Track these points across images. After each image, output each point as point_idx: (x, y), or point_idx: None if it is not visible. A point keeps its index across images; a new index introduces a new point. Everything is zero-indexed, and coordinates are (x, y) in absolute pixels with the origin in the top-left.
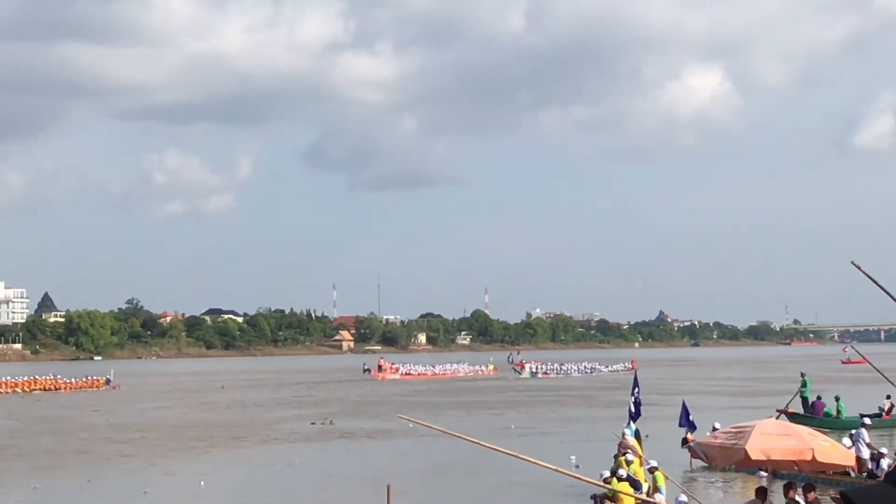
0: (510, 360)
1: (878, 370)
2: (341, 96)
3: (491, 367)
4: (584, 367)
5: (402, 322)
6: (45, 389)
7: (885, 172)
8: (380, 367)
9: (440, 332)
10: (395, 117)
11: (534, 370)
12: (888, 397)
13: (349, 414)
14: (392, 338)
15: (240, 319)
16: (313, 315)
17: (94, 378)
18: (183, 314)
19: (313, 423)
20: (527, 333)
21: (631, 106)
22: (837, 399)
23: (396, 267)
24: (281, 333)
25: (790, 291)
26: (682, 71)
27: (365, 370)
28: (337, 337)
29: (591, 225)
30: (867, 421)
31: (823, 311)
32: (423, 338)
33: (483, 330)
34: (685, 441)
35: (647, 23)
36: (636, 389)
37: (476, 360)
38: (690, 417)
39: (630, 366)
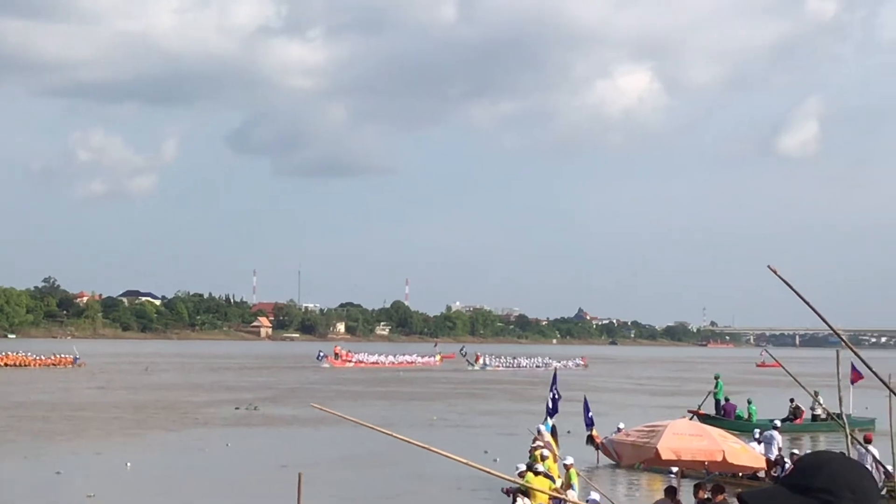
0: (462, 352)
1: (791, 374)
2: (271, 81)
3: (438, 357)
4: (537, 361)
5: (321, 310)
6: (15, 365)
7: (808, 178)
8: (336, 355)
9: (359, 322)
10: (325, 104)
11: (486, 363)
12: (791, 401)
13: (277, 400)
14: (311, 326)
15: (157, 302)
16: (232, 300)
17: (63, 356)
18: (100, 295)
19: (237, 408)
20: (446, 326)
21: (560, 102)
22: (749, 402)
23: (318, 255)
24: (199, 318)
25: (708, 293)
26: (612, 69)
27: (321, 357)
28: (255, 323)
29: (515, 220)
30: (778, 424)
31: (740, 314)
32: (341, 327)
33: (402, 321)
34: (591, 438)
35: (578, 20)
36: (554, 386)
37: (395, 350)
38: (590, 414)
39: (582, 362)
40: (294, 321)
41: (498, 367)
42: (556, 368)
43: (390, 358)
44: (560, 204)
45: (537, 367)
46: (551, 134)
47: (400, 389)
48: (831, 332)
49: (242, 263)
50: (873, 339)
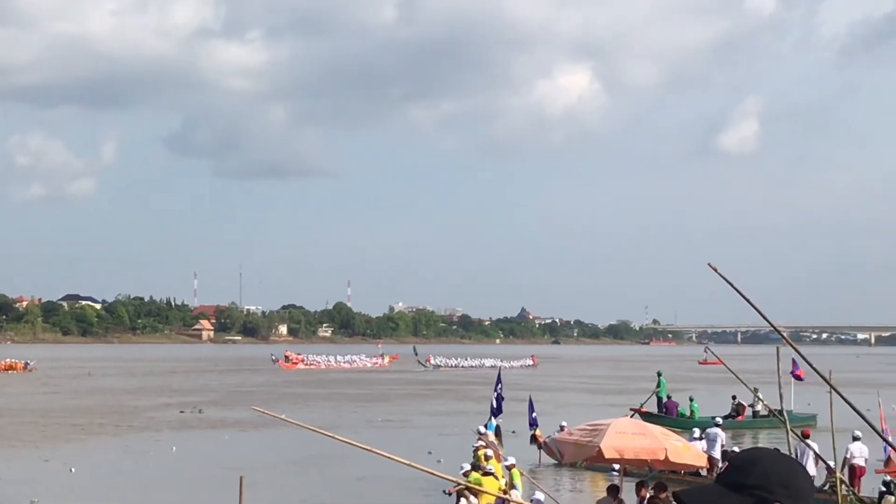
0: (415, 352)
1: (732, 372)
2: (209, 83)
3: (387, 358)
4: (488, 361)
5: (263, 313)
6: None
7: (747, 176)
8: (286, 358)
9: (302, 324)
10: (265, 106)
11: (438, 363)
12: (734, 398)
13: (221, 403)
14: (253, 328)
15: (98, 306)
16: (173, 303)
17: (14, 361)
18: (40, 299)
19: (182, 412)
20: (388, 327)
21: (501, 102)
22: (691, 399)
23: (260, 257)
24: (140, 321)
25: (650, 292)
26: (552, 69)
27: (273, 360)
28: (197, 326)
29: (457, 220)
30: (719, 421)
31: (682, 312)
32: (283, 329)
33: (345, 323)
34: (534, 438)
35: (518, 20)
36: (499, 386)
37: (339, 352)
38: (534, 414)
39: (532, 362)
40: (236, 324)
41: (449, 367)
42: (500, 369)
43: (340, 359)
44: (502, 204)
45: (489, 367)
46: (493, 134)
47: (346, 391)
48: (772, 328)
49: (183, 266)
50: (814, 336)
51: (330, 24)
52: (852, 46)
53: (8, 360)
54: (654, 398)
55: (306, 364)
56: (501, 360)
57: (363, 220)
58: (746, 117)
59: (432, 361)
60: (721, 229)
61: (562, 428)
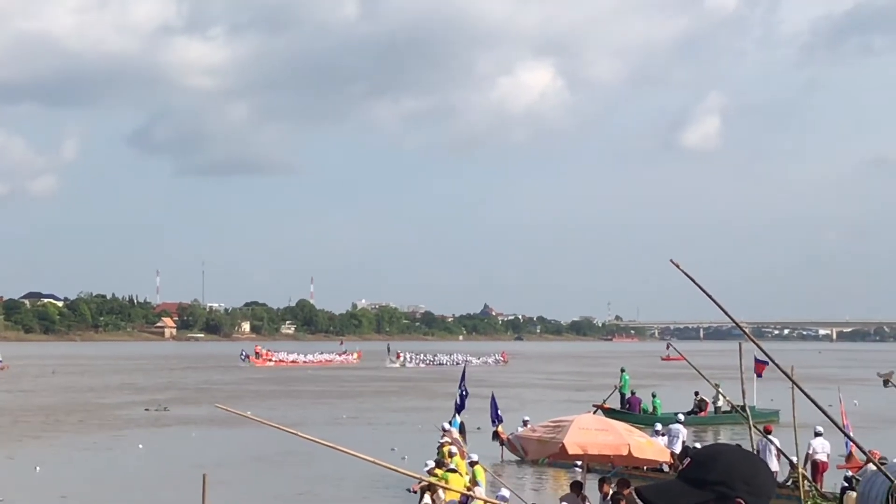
0: (388, 350)
1: (694, 367)
2: (171, 80)
3: (356, 354)
4: (456, 358)
5: (225, 310)
6: None
7: (710, 172)
8: (257, 354)
9: (264, 321)
10: (227, 103)
11: (408, 360)
12: (696, 394)
13: (187, 401)
14: (215, 325)
15: (60, 304)
16: (136, 301)
17: None
18: (1, 297)
19: (147, 410)
20: (352, 324)
21: (463, 99)
22: (654, 396)
23: (222, 254)
24: (102, 319)
25: (613, 288)
26: (515, 66)
27: (243, 357)
28: (159, 324)
29: (420, 217)
30: (681, 417)
31: (645, 309)
32: (246, 326)
33: (308, 320)
34: (496, 434)
35: (480, 16)
36: (463, 383)
37: (303, 349)
38: (498, 411)
39: (502, 358)
40: (199, 321)
41: (419, 364)
42: (464, 365)
43: (309, 356)
44: (465, 201)
45: (457, 363)
46: (455, 131)
47: (313, 388)
48: (735, 324)
49: (146, 264)
50: (776, 332)
51: (292, 21)
52: (813, 43)
53: None
54: (618, 394)
55: (276, 361)
56: (471, 357)
57: (326, 217)
58: (709, 113)
59: (401, 358)
60: (684, 225)
61: (525, 423)
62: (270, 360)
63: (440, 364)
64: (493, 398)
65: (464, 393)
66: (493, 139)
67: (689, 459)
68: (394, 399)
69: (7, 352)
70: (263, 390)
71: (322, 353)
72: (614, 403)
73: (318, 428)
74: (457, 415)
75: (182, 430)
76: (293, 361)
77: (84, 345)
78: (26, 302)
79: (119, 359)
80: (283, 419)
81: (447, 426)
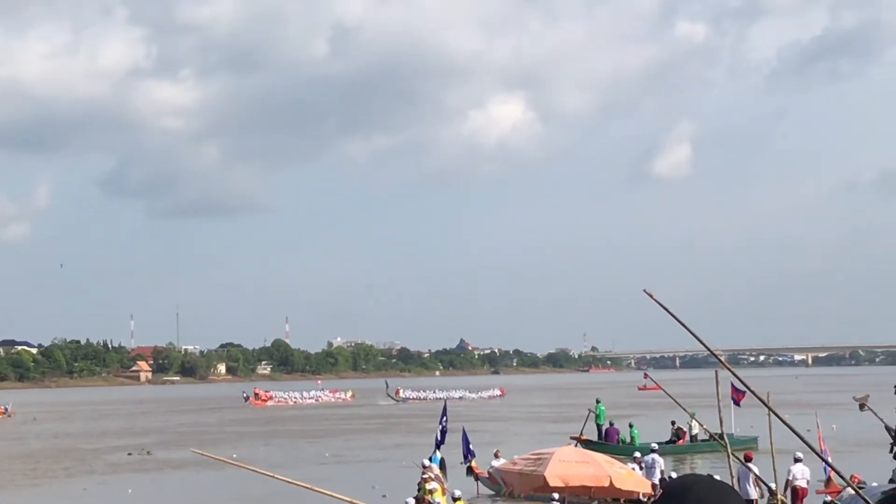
0: (387, 388)
1: (671, 396)
2: (142, 123)
3: (349, 393)
4: (454, 393)
5: (201, 352)
6: None
7: (681, 200)
8: (256, 395)
9: (240, 362)
10: (198, 144)
11: (406, 396)
12: (673, 423)
13: (169, 444)
14: (191, 368)
15: (34, 350)
16: (110, 345)
17: None
18: None
19: (130, 454)
20: (328, 363)
21: (434, 134)
22: (631, 426)
23: (196, 296)
24: (77, 365)
25: (588, 319)
26: (485, 99)
27: (245, 399)
28: (134, 368)
29: (394, 253)
30: (655, 447)
31: (621, 339)
32: (222, 368)
33: (284, 359)
34: (470, 469)
35: (450, 51)
36: (444, 418)
37: (281, 388)
38: (470, 446)
39: (500, 392)
40: (174, 364)
41: (418, 400)
42: (444, 401)
43: (306, 395)
44: (438, 235)
45: (457, 399)
46: (427, 165)
47: (299, 427)
48: (710, 353)
49: (120, 308)
50: (751, 358)
51: (262, 61)
52: (781, 70)
53: None
54: (594, 425)
55: (277, 401)
56: (470, 392)
57: (300, 255)
58: (679, 142)
59: (401, 395)
60: (657, 254)
61: (496, 455)
62: (270, 401)
63: (438, 399)
64: (464, 433)
65: (444, 429)
66: (465, 173)
67: (661, 491)
68: (378, 436)
69: None
70: (248, 431)
71: (319, 391)
72: (591, 434)
73: (301, 467)
74: (437, 450)
75: (168, 474)
76: (291, 401)
77: (60, 391)
78: (0, 350)
79: (96, 404)
80: (268, 459)
81: (427, 462)
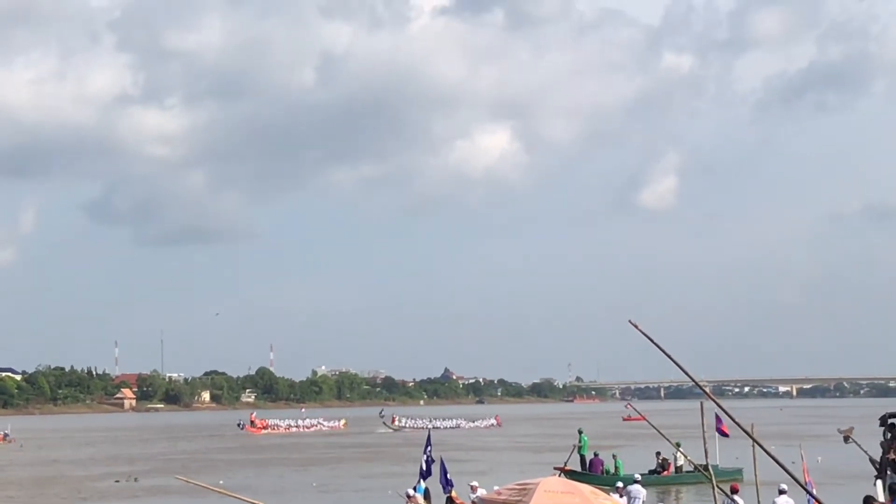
0: (381, 414)
1: (655, 427)
2: (129, 149)
3: (342, 422)
4: (450, 423)
5: (185, 380)
6: None
7: (667, 231)
8: (252, 423)
9: (224, 390)
10: (184, 171)
11: (403, 424)
12: (658, 454)
13: (156, 472)
14: (175, 395)
15: (18, 377)
16: (94, 372)
17: None
18: None
19: (117, 481)
20: (312, 391)
21: (421, 163)
22: (615, 456)
23: (181, 323)
24: (61, 391)
25: (573, 349)
26: (472, 129)
27: (240, 426)
28: (119, 395)
29: (379, 282)
30: (638, 477)
31: (605, 369)
32: (206, 395)
33: (268, 388)
34: (450, 500)
35: (436, 81)
36: (428, 448)
37: (266, 416)
38: (448, 475)
39: (496, 422)
40: (158, 391)
41: (415, 428)
42: (429, 430)
43: (301, 423)
44: (423, 264)
45: (453, 427)
46: (413, 195)
47: (288, 455)
48: (694, 383)
49: (104, 334)
50: (736, 389)
51: (249, 88)
52: (768, 101)
53: None
54: (577, 456)
55: (272, 428)
56: (465, 421)
57: (285, 283)
58: (665, 172)
59: (396, 423)
60: (641, 284)
61: (473, 489)
62: (266, 428)
63: (436, 428)
64: (441, 462)
65: (429, 458)
66: (451, 202)
67: None
68: (367, 465)
69: None
70: (237, 459)
71: (313, 419)
72: (575, 465)
73: (288, 496)
74: (422, 480)
75: (155, 501)
76: (286, 428)
77: (43, 418)
78: None
79: (81, 431)
80: (253, 488)
81: (412, 492)
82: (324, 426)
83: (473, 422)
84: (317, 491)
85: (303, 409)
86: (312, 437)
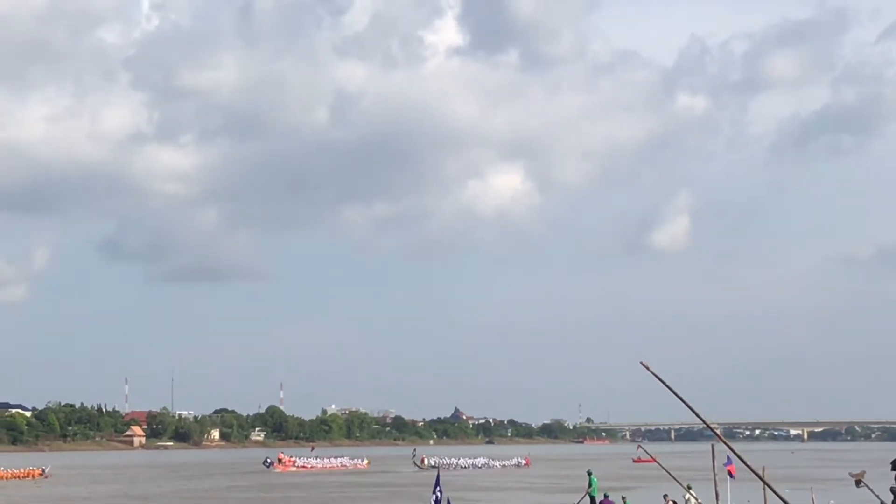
0: (413, 455)
1: (665, 469)
2: (142, 187)
3: (366, 461)
4: (480, 461)
5: (195, 417)
6: None
7: (678, 273)
8: (280, 461)
9: (234, 428)
10: (197, 209)
11: (432, 464)
12: (665, 496)
13: None
14: (185, 433)
15: (28, 414)
16: (104, 410)
17: (31, 468)
18: None
19: None
20: (322, 430)
21: (433, 203)
22: (624, 499)
23: (192, 361)
24: (71, 428)
25: (583, 390)
26: (484, 169)
27: (268, 464)
28: (128, 432)
29: (390, 321)
30: None
31: (616, 410)
32: (216, 433)
33: (278, 426)
34: None
35: (449, 121)
36: (438, 488)
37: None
38: None
39: (525, 462)
40: (168, 429)
41: (444, 468)
42: (438, 470)
43: (326, 461)
44: (434, 304)
45: (481, 466)
46: (424, 234)
47: (305, 494)
48: (705, 425)
49: (114, 372)
50: (747, 432)
51: (263, 127)
52: (782, 143)
53: (27, 468)
54: (587, 498)
55: (298, 467)
56: (494, 461)
57: (295, 322)
58: (678, 214)
59: (425, 462)
60: (653, 326)
61: None
62: (293, 466)
63: (463, 468)
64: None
65: (437, 499)
66: (462, 241)
67: None
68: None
69: None
70: (254, 497)
71: (337, 458)
72: None
73: None
74: None
75: None
76: (312, 467)
77: (52, 455)
78: None
79: (93, 468)
80: None
81: None
82: (347, 465)
83: (503, 461)
84: None
85: (312, 448)
86: (335, 477)
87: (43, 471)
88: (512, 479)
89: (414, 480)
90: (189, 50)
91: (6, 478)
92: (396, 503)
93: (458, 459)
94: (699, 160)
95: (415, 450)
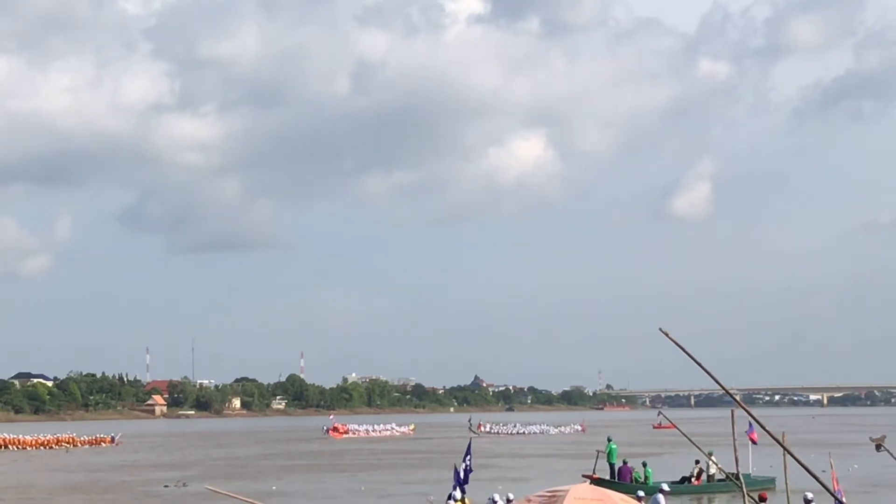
0: (470, 422)
1: (685, 435)
2: (164, 158)
3: (411, 426)
4: (536, 428)
5: (216, 386)
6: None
7: (700, 240)
8: (335, 429)
9: (255, 397)
10: (219, 179)
11: (487, 430)
12: (697, 462)
13: (204, 477)
14: (206, 402)
15: (50, 383)
16: (126, 379)
17: (101, 436)
18: None
19: (166, 486)
20: (342, 398)
21: (454, 171)
22: (645, 465)
23: (212, 330)
24: (92, 398)
25: (604, 357)
26: (505, 137)
27: (325, 431)
28: (150, 401)
29: (410, 290)
30: (665, 487)
31: (636, 377)
32: (237, 402)
33: (298, 394)
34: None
35: (471, 88)
36: (468, 457)
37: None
38: (465, 486)
39: (581, 428)
40: (189, 398)
41: (501, 434)
42: (470, 440)
43: (378, 428)
44: (455, 272)
45: (536, 433)
46: (445, 203)
47: (346, 461)
48: (725, 392)
49: (136, 341)
50: (766, 398)
51: (284, 96)
52: (803, 110)
53: (97, 434)
54: (607, 464)
55: (352, 433)
56: (551, 427)
57: (316, 290)
58: (699, 181)
59: (482, 429)
60: (673, 293)
61: (493, 502)
62: (346, 433)
63: (520, 433)
64: (455, 470)
65: (468, 468)
66: (483, 210)
67: None
68: (415, 471)
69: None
70: (288, 465)
71: (386, 425)
72: (604, 473)
73: (335, 500)
74: (457, 488)
75: None
76: (364, 433)
77: (74, 424)
78: (16, 382)
79: (141, 436)
80: (304, 492)
81: (458, 495)
82: (396, 431)
83: (558, 427)
84: (363, 495)
85: (332, 416)
86: (379, 443)
87: (113, 438)
88: (531, 446)
89: (458, 447)
90: (210, 20)
91: (80, 444)
92: (433, 469)
93: (514, 426)
94: (721, 127)
95: (470, 417)
